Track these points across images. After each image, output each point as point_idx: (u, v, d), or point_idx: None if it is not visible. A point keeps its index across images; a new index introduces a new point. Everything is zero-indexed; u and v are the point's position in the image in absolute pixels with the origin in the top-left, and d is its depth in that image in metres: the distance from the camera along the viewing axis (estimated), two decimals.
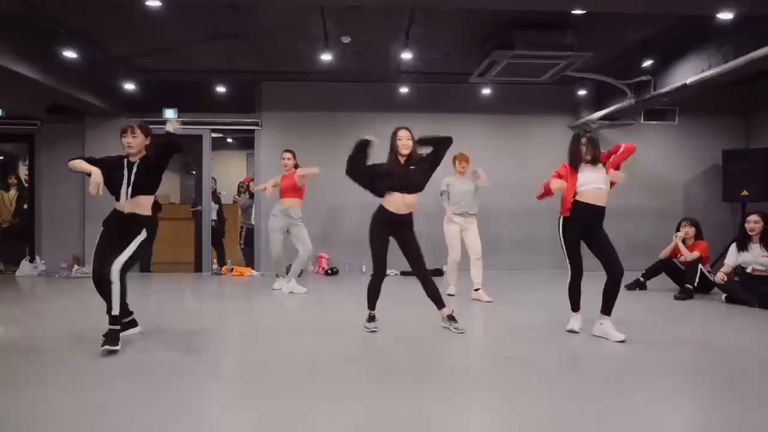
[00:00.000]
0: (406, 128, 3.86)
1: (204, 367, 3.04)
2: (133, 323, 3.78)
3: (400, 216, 3.81)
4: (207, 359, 3.20)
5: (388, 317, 4.12)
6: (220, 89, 7.00)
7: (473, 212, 5.34)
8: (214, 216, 7.98)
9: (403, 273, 7.44)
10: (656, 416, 2.35)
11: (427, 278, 3.87)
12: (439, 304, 3.89)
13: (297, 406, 2.40)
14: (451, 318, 3.85)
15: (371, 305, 3.97)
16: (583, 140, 3.81)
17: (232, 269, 7.50)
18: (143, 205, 3.51)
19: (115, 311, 3.27)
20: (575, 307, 3.88)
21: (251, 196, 8.19)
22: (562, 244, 3.82)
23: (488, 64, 5.33)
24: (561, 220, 3.83)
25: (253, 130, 7.72)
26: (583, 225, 3.71)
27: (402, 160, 3.80)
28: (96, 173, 3.31)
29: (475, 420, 2.36)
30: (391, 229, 3.86)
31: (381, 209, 3.86)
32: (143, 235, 3.43)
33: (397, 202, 3.79)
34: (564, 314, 3.95)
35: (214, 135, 8.08)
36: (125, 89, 6.74)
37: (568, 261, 3.81)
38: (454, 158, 5.36)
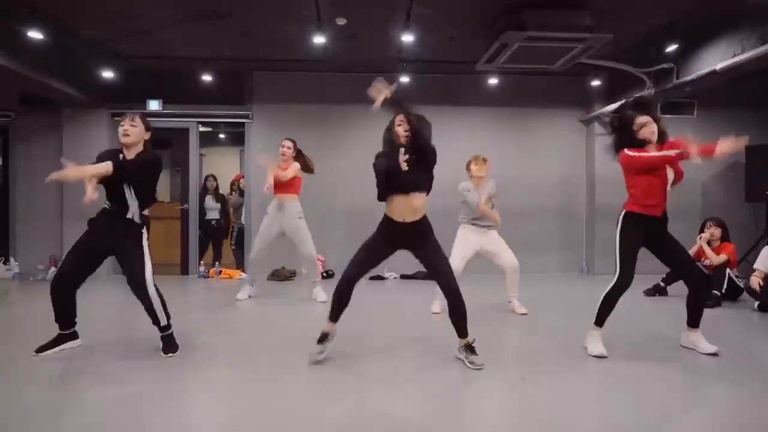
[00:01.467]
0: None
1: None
2: (74, 335, 3.32)
3: (402, 226, 3.06)
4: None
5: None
6: (208, 79, 6.51)
7: (486, 223, 4.59)
8: (216, 216, 7.51)
9: (403, 276, 6.98)
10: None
11: (457, 297, 3.01)
12: (461, 330, 3.08)
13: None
14: (469, 348, 3.05)
15: (334, 317, 3.15)
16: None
17: (221, 272, 7.03)
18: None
19: (163, 321, 3.14)
20: (601, 321, 3.27)
21: (241, 194, 7.72)
22: (618, 244, 3.20)
23: (497, 48, 4.85)
24: (623, 215, 3.24)
25: (244, 123, 7.24)
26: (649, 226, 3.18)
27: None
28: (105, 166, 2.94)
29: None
30: (397, 244, 3.13)
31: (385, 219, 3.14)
32: (145, 233, 3.15)
33: (400, 208, 3.06)
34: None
35: (202, 129, 7.61)
36: (103, 78, 6.25)
37: (618, 264, 3.18)
38: (469, 162, 4.72)
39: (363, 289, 5.76)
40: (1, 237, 7.17)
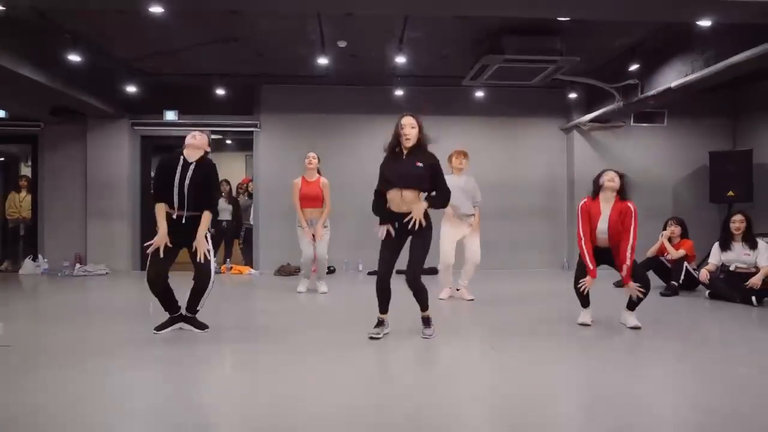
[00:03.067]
0: (412, 115, 3.49)
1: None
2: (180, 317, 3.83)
3: (400, 216, 3.44)
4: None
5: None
6: (220, 92, 7.15)
7: (469, 212, 5.06)
8: (228, 217, 8.09)
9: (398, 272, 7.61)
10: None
11: (414, 287, 3.52)
12: (423, 306, 3.64)
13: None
14: (425, 321, 3.64)
15: (381, 308, 3.62)
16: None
17: (231, 267, 7.66)
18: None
19: (201, 306, 3.72)
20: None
21: (250, 196, 8.36)
22: None
23: (480, 68, 5.51)
24: None
25: (252, 132, 7.89)
26: None
27: (405, 151, 3.45)
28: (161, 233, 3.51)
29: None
30: (397, 230, 3.51)
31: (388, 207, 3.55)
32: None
33: (395, 199, 3.44)
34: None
35: (214, 137, 8.24)
36: (127, 92, 6.89)
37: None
38: (451, 155, 5.15)
39: (362, 281, 6.48)
40: (30, 236, 7.81)
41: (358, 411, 2.30)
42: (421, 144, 3.47)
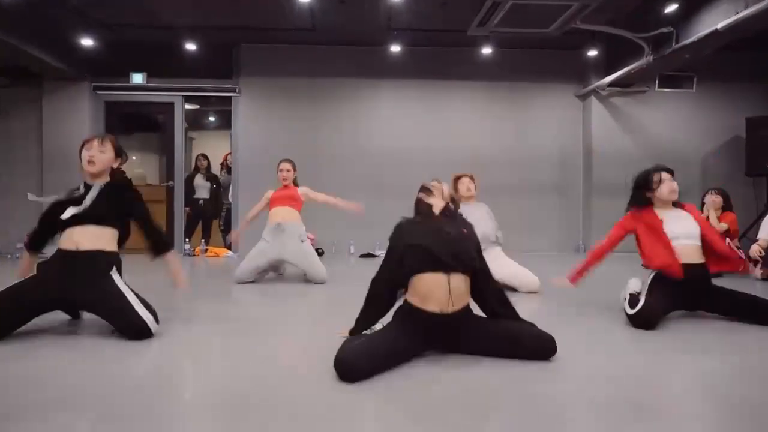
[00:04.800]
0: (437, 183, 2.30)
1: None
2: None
3: (446, 319, 2.03)
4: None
5: None
6: (192, 48, 6.30)
7: (493, 239, 3.85)
8: (206, 195, 7.27)
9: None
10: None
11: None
12: None
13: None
14: None
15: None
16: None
17: (206, 249, 6.82)
18: (106, 238, 2.55)
19: None
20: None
21: (228, 171, 7.53)
22: None
23: (490, 7, 4.66)
24: None
25: (231, 98, 7.03)
26: None
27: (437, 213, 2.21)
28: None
29: None
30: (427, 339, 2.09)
31: (410, 310, 2.08)
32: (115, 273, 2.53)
33: (435, 292, 2.01)
34: None
35: (188, 106, 7.42)
36: (85, 48, 6.03)
37: None
38: (455, 182, 4.01)
39: (353, 264, 5.55)
40: None
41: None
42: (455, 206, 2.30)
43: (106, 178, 2.64)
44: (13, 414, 1.58)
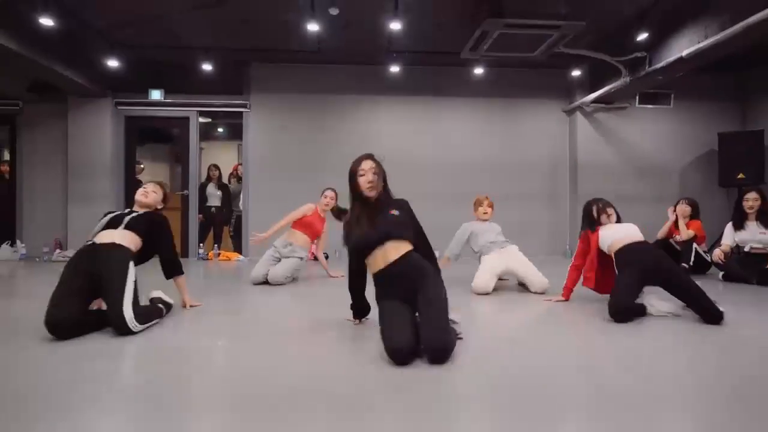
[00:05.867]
0: (370, 157, 2.72)
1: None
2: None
3: (393, 271, 2.52)
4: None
5: None
6: (207, 68, 6.82)
7: (505, 245, 4.47)
8: (217, 203, 7.77)
9: None
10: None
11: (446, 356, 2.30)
12: None
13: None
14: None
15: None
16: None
17: (219, 254, 7.33)
18: (135, 243, 3.01)
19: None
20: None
21: (239, 180, 8.03)
22: None
23: (479, 35, 5.19)
24: None
25: (242, 113, 7.56)
26: None
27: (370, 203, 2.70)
28: None
29: None
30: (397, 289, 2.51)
31: (376, 279, 2.62)
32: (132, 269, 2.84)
33: (377, 259, 2.56)
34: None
35: (202, 120, 7.94)
36: (108, 67, 6.55)
37: None
38: (477, 204, 4.65)
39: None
40: (8, 220, 7.45)
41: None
42: (387, 192, 2.74)
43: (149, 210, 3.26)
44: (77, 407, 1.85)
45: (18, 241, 7.19)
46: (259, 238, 4.66)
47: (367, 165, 2.65)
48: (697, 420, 1.70)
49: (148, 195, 3.22)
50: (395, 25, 5.33)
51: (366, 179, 2.63)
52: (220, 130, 10.88)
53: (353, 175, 2.67)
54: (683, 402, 1.84)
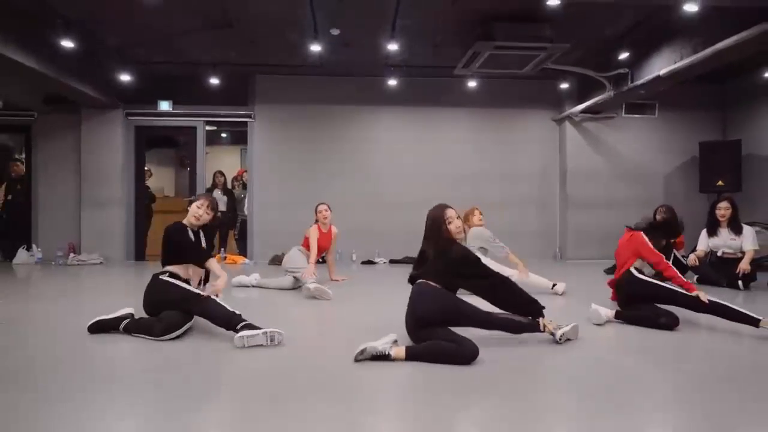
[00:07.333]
0: (449, 206, 2.94)
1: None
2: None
3: None
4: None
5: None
6: (214, 82, 7.17)
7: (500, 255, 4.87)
8: (223, 208, 8.06)
9: (392, 261, 7.64)
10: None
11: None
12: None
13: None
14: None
15: None
16: None
17: (225, 257, 7.68)
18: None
19: None
20: None
21: (244, 186, 8.40)
22: None
23: (471, 55, 5.56)
24: None
25: (246, 123, 7.92)
26: None
27: None
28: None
29: None
30: None
31: None
32: None
33: None
34: None
35: (208, 128, 8.29)
36: (120, 81, 6.89)
37: None
38: (468, 215, 4.97)
39: (355, 270, 6.47)
40: (24, 226, 7.81)
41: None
42: None
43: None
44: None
45: (34, 246, 7.54)
46: (308, 273, 4.79)
47: (452, 213, 2.87)
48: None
49: (200, 217, 3.43)
50: (392, 46, 5.69)
51: (455, 225, 2.85)
52: (224, 135, 11.25)
53: (440, 222, 2.83)
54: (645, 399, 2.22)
